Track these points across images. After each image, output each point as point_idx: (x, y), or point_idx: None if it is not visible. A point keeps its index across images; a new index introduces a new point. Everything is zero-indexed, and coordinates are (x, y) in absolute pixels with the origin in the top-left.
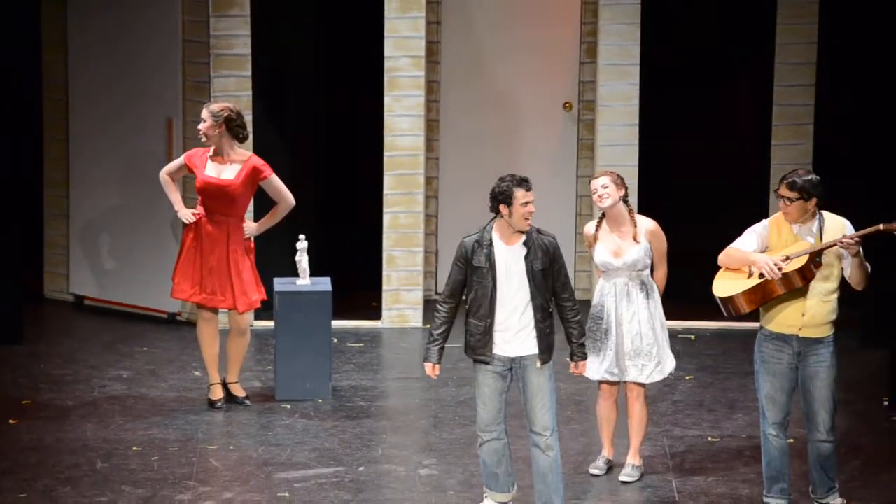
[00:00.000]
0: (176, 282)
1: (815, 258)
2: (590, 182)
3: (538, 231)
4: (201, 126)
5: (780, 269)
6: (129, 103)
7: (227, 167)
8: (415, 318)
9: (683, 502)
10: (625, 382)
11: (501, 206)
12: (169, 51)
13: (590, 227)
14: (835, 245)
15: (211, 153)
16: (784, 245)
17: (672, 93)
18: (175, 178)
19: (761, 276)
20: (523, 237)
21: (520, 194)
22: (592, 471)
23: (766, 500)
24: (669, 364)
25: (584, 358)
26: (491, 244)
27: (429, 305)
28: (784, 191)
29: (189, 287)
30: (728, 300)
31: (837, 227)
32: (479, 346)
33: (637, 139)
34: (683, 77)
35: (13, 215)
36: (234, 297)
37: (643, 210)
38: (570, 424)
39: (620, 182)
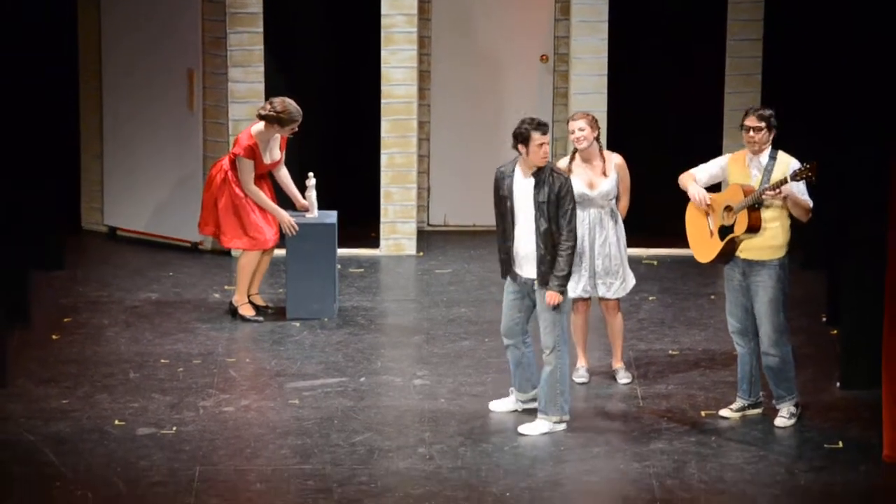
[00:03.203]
0: (259, 239)
1: (754, 206)
2: (568, 122)
3: (552, 170)
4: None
5: (707, 202)
6: (155, 56)
7: (272, 145)
8: (409, 247)
9: (647, 407)
10: (601, 300)
11: (520, 146)
12: (190, 9)
13: (563, 162)
14: (760, 197)
15: (257, 136)
16: (741, 177)
17: (637, 46)
18: (256, 174)
19: (721, 235)
20: (537, 172)
21: (536, 136)
22: (578, 380)
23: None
24: (631, 281)
25: (557, 290)
26: (512, 175)
27: (421, 236)
28: (753, 121)
29: (275, 230)
30: (710, 262)
31: (783, 164)
32: (504, 265)
33: (606, 88)
34: (647, 32)
35: (54, 156)
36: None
37: (612, 148)
38: None
39: (594, 124)
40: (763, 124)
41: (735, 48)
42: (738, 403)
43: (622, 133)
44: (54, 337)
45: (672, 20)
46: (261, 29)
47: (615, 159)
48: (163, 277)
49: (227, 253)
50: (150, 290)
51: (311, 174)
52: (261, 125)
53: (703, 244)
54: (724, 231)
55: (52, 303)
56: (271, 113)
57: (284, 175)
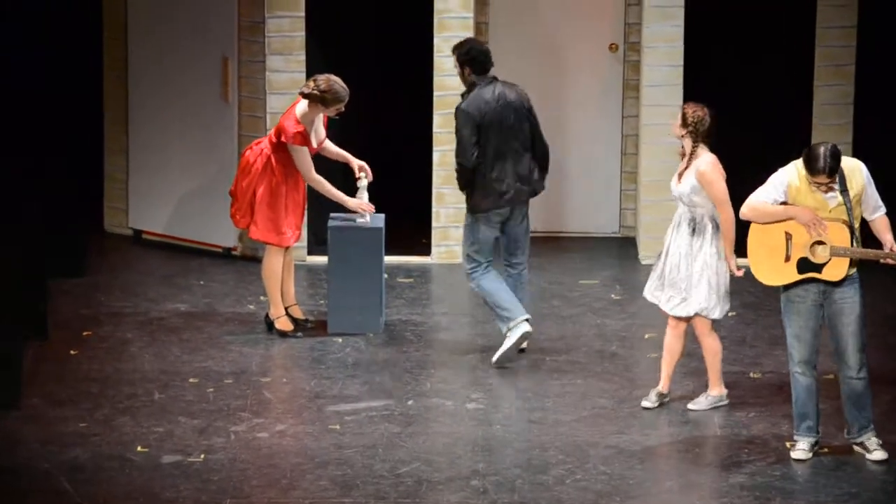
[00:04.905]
0: (287, 234)
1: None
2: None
3: (466, 94)
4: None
5: (825, 230)
6: (186, 42)
7: (318, 125)
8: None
9: (725, 437)
10: (694, 317)
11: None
12: None
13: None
14: (875, 260)
15: (303, 118)
16: (813, 201)
17: (715, 33)
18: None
19: (801, 268)
20: None
21: None
22: (644, 404)
23: (795, 437)
24: (696, 303)
25: None
26: None
27: None
28: (823, 179)
29: (295, 231)
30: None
31: (854, 170)
32: None
33: (681, 80)
34: (727, 18)
35: (75, 152)
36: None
37: None
38: (615, 360)
39: (685, 120)
40: (834, 178)
41: (825, 36)
42: (808, 442)
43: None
44: (72, 352)
45: (755, 5)
46: (302, 13)
47: (699, 165)
48: (192, 286)
49: (257, 259)
50: (178, 301)
51: (362, 173)
52: (304, 105)
53: (772, 266)
54: (806, 265)
55: (71, 314)
56: (315, 92)
57: (330, 146)
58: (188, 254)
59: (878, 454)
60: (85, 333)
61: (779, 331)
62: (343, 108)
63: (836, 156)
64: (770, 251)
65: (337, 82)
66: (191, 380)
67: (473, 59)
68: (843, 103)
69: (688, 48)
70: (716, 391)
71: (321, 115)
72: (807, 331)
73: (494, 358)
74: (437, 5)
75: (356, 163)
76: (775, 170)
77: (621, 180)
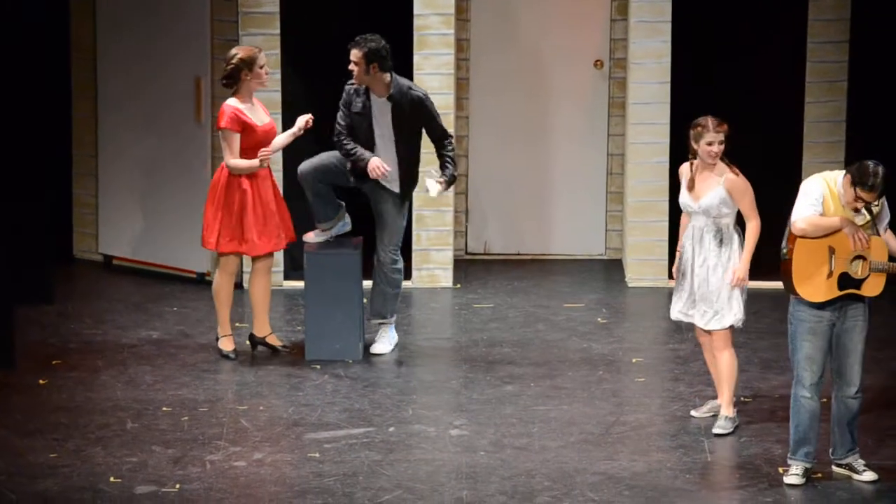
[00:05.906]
0: (259, 242)
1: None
2: (703, 129)
3: (409, 87)
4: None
5: (867, 245)
6: (157, 62)
7: (255, 110)
8: (445, 279)
9: (716, 462)
10: (709, 332)
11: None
12: (197, 9)
13: (685, 167)
14: None
15: (237, 104)
16: (842, 214)
17: (704, 50)
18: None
19: (841, 284)
20: (389, 92)
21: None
22: (692, 412)
23: (790, 461)
24: (730, 317)
25: (445, 181)
26: (367, 93)
27: (459, 265)
28: (870, 196)
29: (269, 239)
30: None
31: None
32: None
33: (669, 97)
34: (716, 34)
35: (42, 175)
36: (288, 229)
37: (674, 167)
38: (602, 385)
39: (727, 138)
40: (876, 196)
41: (817, 51)
42: (803, 467)
43: (686, 149)
44: (41, 382)
45: (745, 21)
46: (278, 31)
47: (727, 176)
48: (165, 313)
49: (238, 285)
50: (150, 328)
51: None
52: (232, 99)
53: (815, 282)
54: (847, 281)
55: (39, 343)
56: (234, 63)
57: (279, 139)
58: (160, 279)
59: (868, 475)
60: (54, 362)
61: (768, 354)
62: (268, 69)
63: (887, 179)
64: (814, 267)
65: (244, 45)
66: (164, 408)
67: (384, 57)
68: (836, 120)
69: (675, 64)
70: (731, 411)
71: (256, 103)
72: (820, 353)
73: (383, 349)
74: (417, 22)
75: (299, 124)
76: (765, 188)
77: (607, 201)
